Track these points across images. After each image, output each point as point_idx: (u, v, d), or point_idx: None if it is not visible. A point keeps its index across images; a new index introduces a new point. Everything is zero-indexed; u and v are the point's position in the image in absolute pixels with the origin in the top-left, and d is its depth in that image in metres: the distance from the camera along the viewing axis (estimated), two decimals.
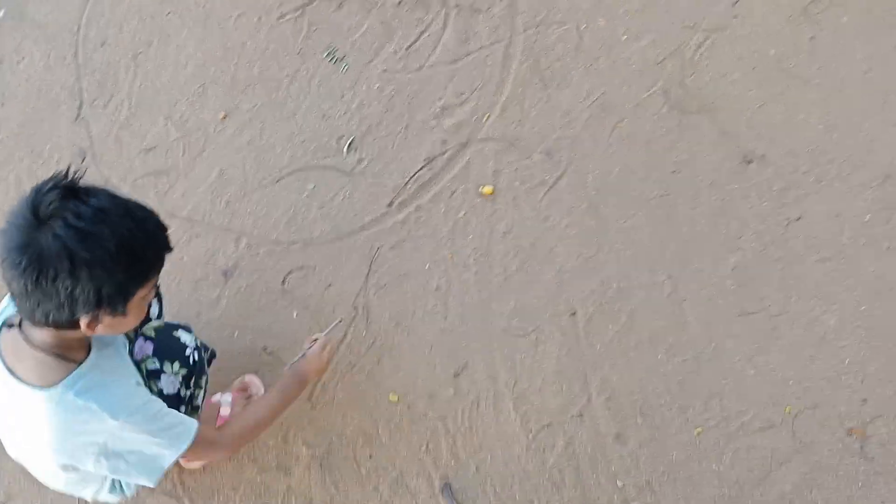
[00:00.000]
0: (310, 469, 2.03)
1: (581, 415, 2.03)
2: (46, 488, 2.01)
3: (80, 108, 2.55)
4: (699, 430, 1.99)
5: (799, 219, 2.16)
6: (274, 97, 2.48)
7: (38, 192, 1.19)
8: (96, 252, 1.18)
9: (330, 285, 2.22)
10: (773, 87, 2.32)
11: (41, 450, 1.42)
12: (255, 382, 2.10)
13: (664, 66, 2.38)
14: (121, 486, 1.78)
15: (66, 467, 1.46)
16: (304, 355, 1.86)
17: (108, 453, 1.40)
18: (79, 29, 2.67)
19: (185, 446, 1.45)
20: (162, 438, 1.43)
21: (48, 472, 1.61)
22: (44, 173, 2.41)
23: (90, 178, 2.31)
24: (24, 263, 1.16)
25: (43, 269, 1.16)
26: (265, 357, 2.15)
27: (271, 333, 2.18)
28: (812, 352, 2.03)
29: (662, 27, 2.43)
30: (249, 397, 2.07)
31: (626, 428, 2.01)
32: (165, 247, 1.33)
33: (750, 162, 2.23)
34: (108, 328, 1.30)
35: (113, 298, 1.23)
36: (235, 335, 2.18)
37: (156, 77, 2.56)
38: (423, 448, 2.03)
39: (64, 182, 1.21)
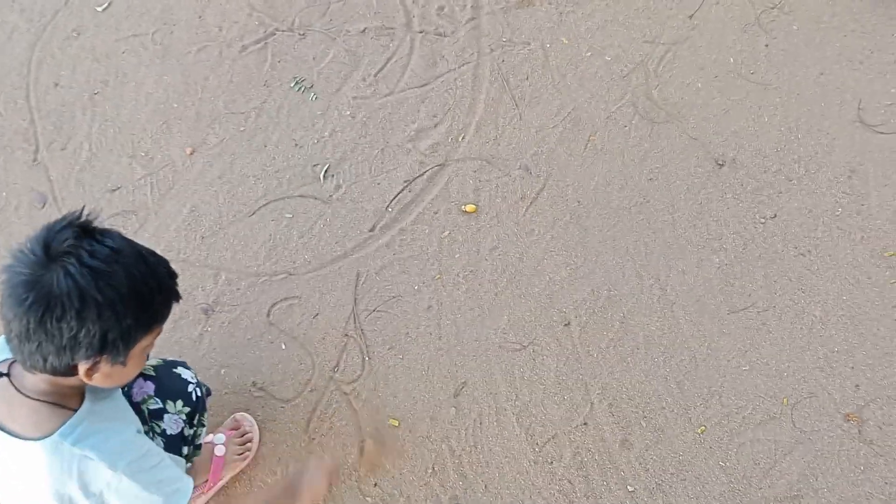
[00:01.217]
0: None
1: (585, 423, 2.09)
2: None
3: (36, 151, 2.54)
4: (702, 428, 2.07)
5: (774, 216, 2.30)
6: (242, 129, 2.52)
7: (51, 231, 1.18)
8: (108, 293, 1.17)
9: (317, 314, 2.24)
10: (736, 94, 2.49)
11: (41, 500, 1.39)
12: (246, 419, 2.10)
13: (630, 79, 2.53)
14: None
15: None
16: (303, 473, 1.72)
17: (108, 502, 1.37)
18: (28, 71, 2.67)
19: None
20: (158, 495, 1.40)
21: None
22: (2, 220, 2.39)
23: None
24: (30, 300, 1.15)
25: (49, 308, 1.15)
26: (255, 392, 2.15)
27: (259, 368, 2.18)
28: (802, 343, 2.15)
29: (624, 43, 2.59)
30: (243, 435, 2.06)
31: (631, 433, 2.08)
32: (174, 295, 1.34)
33: (722, 165, 2.38)
34: (106, 378, 1.29)
35: (116, 345, 1.23)
36: (222, 373, 2.18)
37: (115, 116, 2.57)
38: (429, 471, 2.05)
39: (78, 221, 1.21)
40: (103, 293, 1.17)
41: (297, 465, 1.99)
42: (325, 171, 2.44)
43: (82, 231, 1.19)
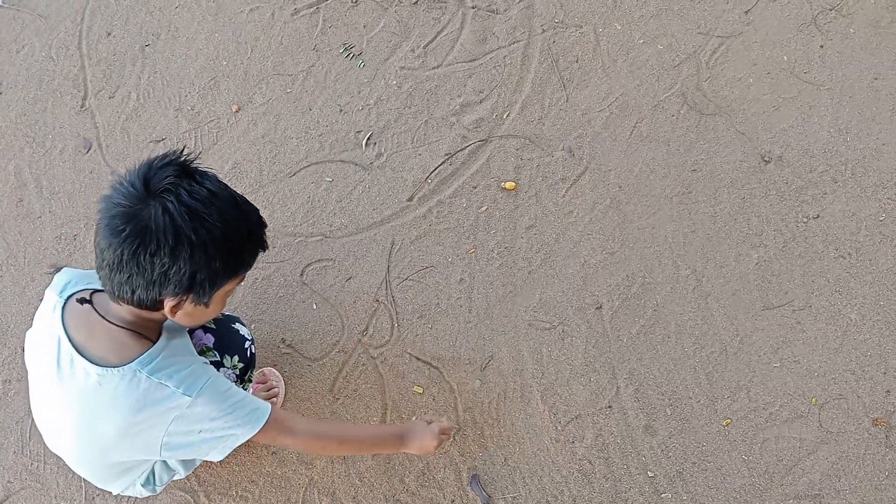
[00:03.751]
0: (333, 462, 2.08)
1: (610, 406, 2.13)
2: (50, 486, 2.04)
3: (84, 98, 2.62)
4: (727, 421, 2.11)
5: (817, 217, 2.33)
6: (289, 91, 2.58)
7: (152, 166, 1.23)
8: (202, 234, 1.21)
9: (350, 278, 2.30)
10: (787, 91, 2.51)
11: (106, 430, 1.42)
12: (273, 374, 2.16)
13: (680, 69, 2.56)
14: (154, 480, 1.79)
15: (130, 447, 1.45)
16: (430, 422, 1.78)
17: (176, 432, 1.40)
18: (82, 19, 2.76)
19: (259, 426, 1.45)
20: (235, 416, 1.43)
21: (96, 456, 1.55)
22: (46, 163, 2.47)
23: (96, 169, 2.38)
24: (126, 231, 1.19)
25: (144, 242, 1.19)
26: (283, 349, 2.22)
27: (289, 326, 2.24)
28: (835, 345, 2.18)
29: (677, 32, 2.62)
30: (269, 390, 2.13)
31: (655, 419, 2.12)
32: (262, 243, 1.38)
33: (768, 162, 2.40)
34: (187, 316, 1.34)
35: (203, 286, 1.27)
36: (253, 327, 2.24)
37: (165, 69, 2.65)
38: (451, 440, 2.10)
39: (179, 160, 1.26)
40: (198, 234, 1.21)
41: (415, 419, 1.89)
42: (368, 138, 2.49)
43: (183, 170, 1.24)
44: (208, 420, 1.40)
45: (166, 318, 1.35)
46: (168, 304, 1.28)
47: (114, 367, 1.34)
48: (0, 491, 2.10)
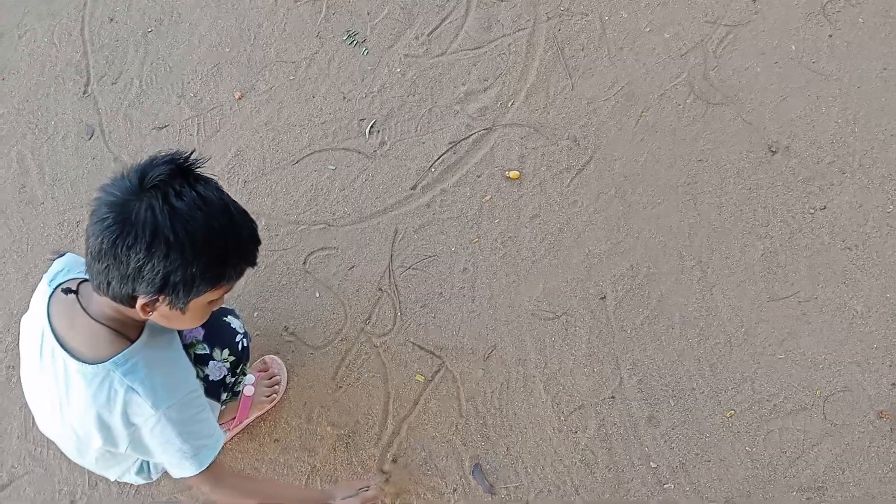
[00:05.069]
0: (335, 449, 2.09)
1: (613, 397, 2.13)
2: (53, 471, 2.04)
3: (87, 84, 2.61)
4: (731, 412, 2.10)
5: (824, 208, 2.31)
6: (292, 78, 2.57)
7: (152, 162, 1.24)
8: (180, 235, 1.20)
9: (353, 266, 2.30)
10: (795, 81, 2.49)
11: (81, 423, 1.44)
12: (276, 362, 2.16)
13: (687, 58, 2.54)
14: (148, 468, 1.80)
15: (104, 443, 1.47)
16: (355, 495, 1.84)
17: (135, 437, 1.44)
18: (85, 5, 2.75)
19: (204, 465, 1.47)
20: (189, 445, 1.44)
21: (81, 447, 1.58)
22: (48, 149, 2.47)
23: (98, 155, 2.37)
24: (108, 221, 1.20)
25: (123, 233, 1.19)
26: (286, 337, 2.22)
27: (292, 314, 2.24)
28: (841, 337, 2.17)
29: (685, 21, 2.60)
30: (271, 378, 2.13)
31: (658, 410, 2.11)
32: (250, 259, 1.36)
33: (775, 152, 2.39)
34: (162, 318, 1.33)
35: (177, 289, 1.25)
36: (255, 315, 2.24)
37: (167, 55, 2.64)
38: (453, 429, 2.11)
39: (179, 160, 1.25)
40: (176, 234, 1.20)
41: (341, 483, 2.04)
42: (371, 126, 2.48)
43: (178, 171, 1.24)
44: (164, 438, 1.42)
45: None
46: (140, 301, 1.27)
47: (89, 363, 1.35)
48: (4, 475, 2.11)
